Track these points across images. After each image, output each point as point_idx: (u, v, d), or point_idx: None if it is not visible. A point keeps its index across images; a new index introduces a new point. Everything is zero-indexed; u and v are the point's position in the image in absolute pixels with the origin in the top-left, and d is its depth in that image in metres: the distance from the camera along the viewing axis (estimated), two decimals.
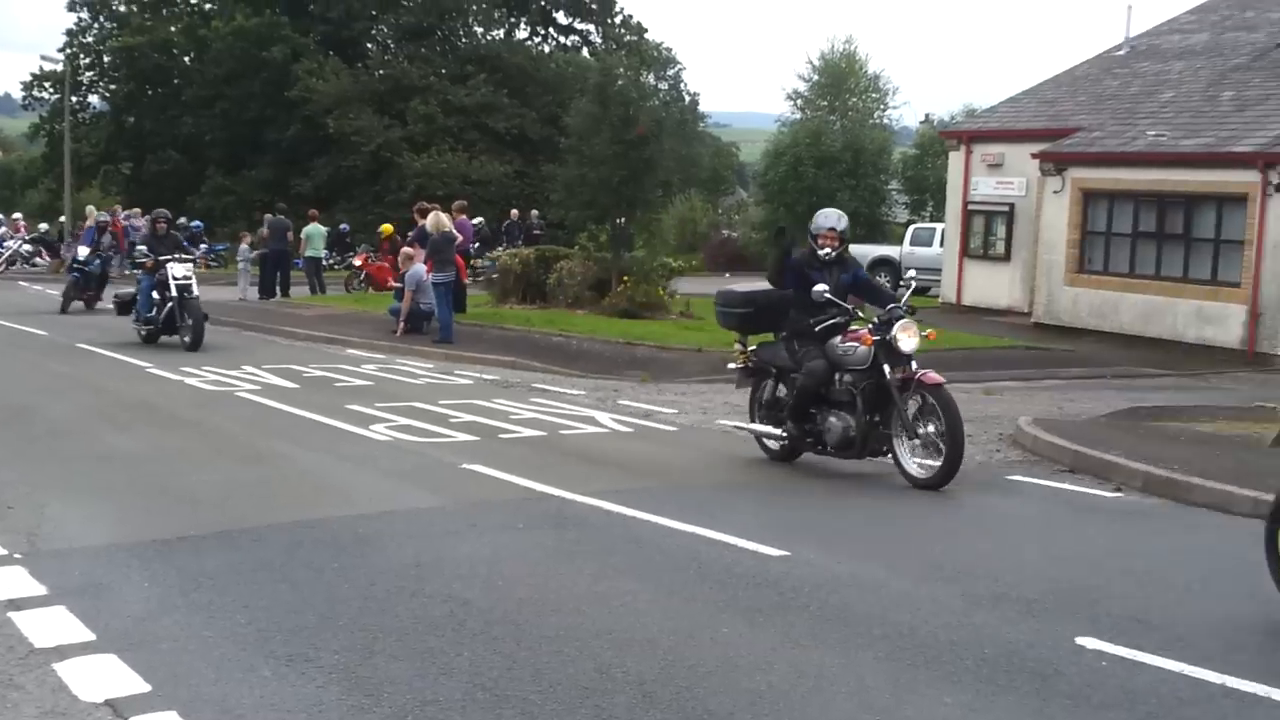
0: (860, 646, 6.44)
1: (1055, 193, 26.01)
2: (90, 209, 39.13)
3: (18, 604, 6.82)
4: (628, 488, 10.26)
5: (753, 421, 12.16)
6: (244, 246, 33.73)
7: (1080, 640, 6.53)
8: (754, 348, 12.07)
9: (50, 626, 6.47)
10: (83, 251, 27.63)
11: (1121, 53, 31.21)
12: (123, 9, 60.70)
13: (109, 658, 6.05)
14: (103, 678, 5.81)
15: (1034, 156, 26.76)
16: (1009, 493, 10.67)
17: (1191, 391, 18.52)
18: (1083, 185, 25.56)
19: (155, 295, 20.35)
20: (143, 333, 20.73)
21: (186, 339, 20.01)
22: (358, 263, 34.86)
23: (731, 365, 12.45)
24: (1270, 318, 22.11)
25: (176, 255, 20.58)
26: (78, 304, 27.07)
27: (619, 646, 6.35)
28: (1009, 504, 10.25)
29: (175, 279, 20.06)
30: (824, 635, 6.62)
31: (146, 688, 5.70)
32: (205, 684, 5.77)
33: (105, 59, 60.42)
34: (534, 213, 41.54)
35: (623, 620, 6.79)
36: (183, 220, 45.78)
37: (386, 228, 34.96)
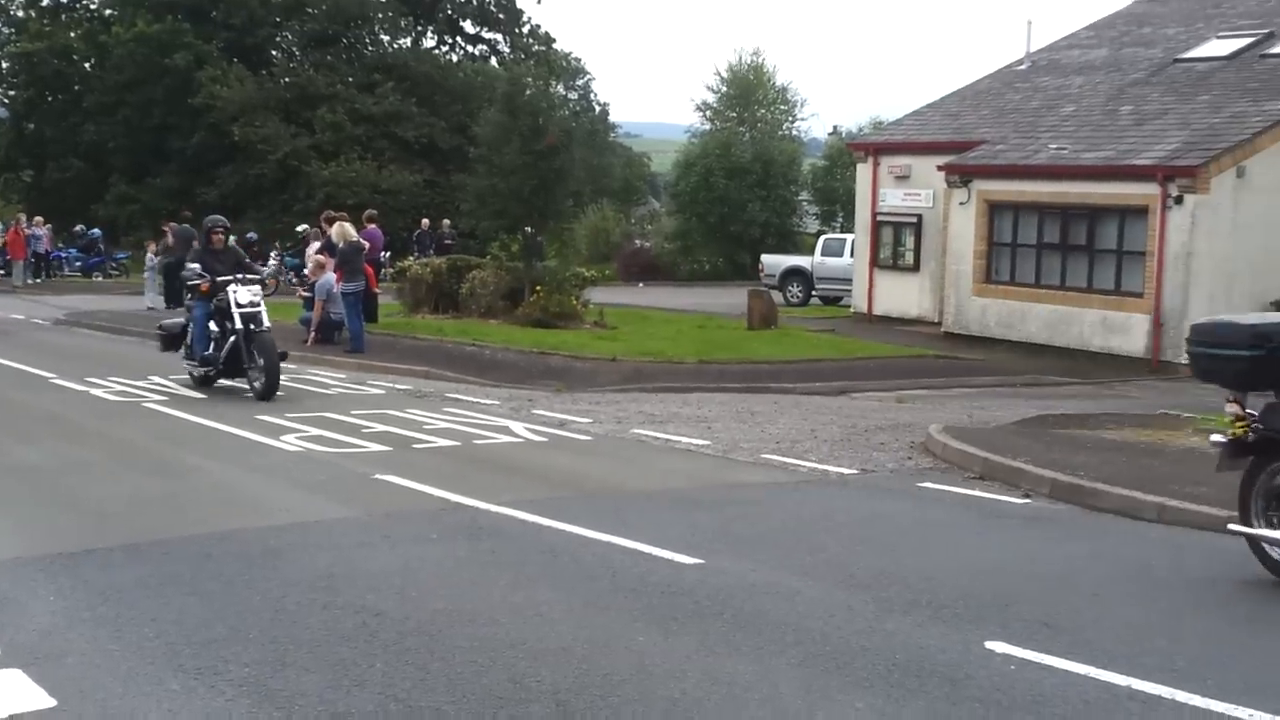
0: (773, 654, 6.48)
1: (961, 204, 26.33)
2: None
3: None
4: (542, 497, 10.25)
5: (1253, 521, 8.24)
6: (150, 255, 33.20)
7: (990, 644, 6.62)
8: (1258, 412, 8.21)
9: None
10: None
11: (1023, 67, 31.67)
12: (20, 14, 59.60)
13: (14, 672, 5.96)
14: (7, 693, 5.72)
15: (939, 169, 27.07)
16: (920, 500, 10.78)
17: (1098, 400, 18.85)
18: (988, 197, 25.90)
19: (213, 327, 16.39)
20: (197, 374, 16.70)
21: (257, 384, 15.90)
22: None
23: (1217, 438, 8.48)
24: (1173, 328, 22.52)
25: (240, 275, 16.36)
26: None
27: (533, 656, 6.34)
28: (920, 511, 10.36)
29: (240, 306, 15.91)
30: (738, 643, 6.65)
31: (52, 703, 5.62)
32: (112, 698, 5.70)
33: (3, 65, 59.30)
34: (445, 222, 41.36)
35: (537, 630, 6.78)
36: (80, 228, 45.11)
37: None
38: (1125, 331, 23.23)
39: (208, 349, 16.34)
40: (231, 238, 18.72)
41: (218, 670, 6.04)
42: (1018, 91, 30.28)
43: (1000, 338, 25.17)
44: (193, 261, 16.67)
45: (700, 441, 13.51)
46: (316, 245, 32.14)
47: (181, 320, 17.35)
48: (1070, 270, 24.40)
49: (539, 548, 8.66)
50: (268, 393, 15.68)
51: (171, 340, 17.37)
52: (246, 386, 16.29)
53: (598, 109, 64.30)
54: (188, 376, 16.92)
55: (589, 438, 13.73)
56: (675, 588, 7.65)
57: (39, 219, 42.14)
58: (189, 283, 16.68)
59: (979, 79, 32.23)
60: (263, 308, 16.19)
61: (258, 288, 16.38)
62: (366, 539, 8.77)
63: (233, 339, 16.04)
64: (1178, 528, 9.75)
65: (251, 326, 15.92)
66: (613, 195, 56.54)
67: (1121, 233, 23.63)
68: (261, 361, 15.82)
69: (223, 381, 16.68)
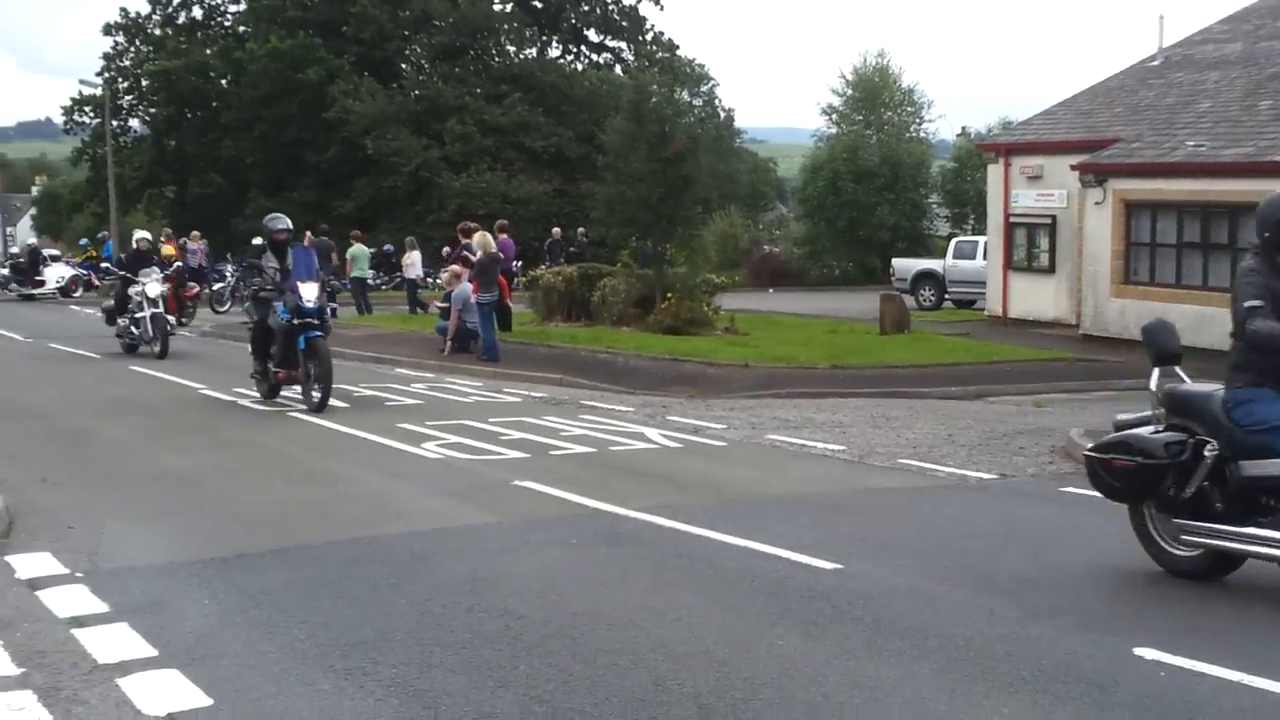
0: (916, 658, 6.44)
1: (1097, 204, 25.87)
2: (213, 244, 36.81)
3: (81, 621, 6.93)
4: (679, 503, 10.29)
5: None
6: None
7: (1138, 650, 6.51)
8: None
9: (113, 643, 6.57)
10: (309, 292, 15.89)
11: (1156, 63, 30.99)
12: (158, 33, 61.31)
13: (171, 673, 6.14)
14: (165, 692, 5.89)
15: (1074, 168, 26.62)
16: (1063, 505, 10.61)
17: None
18: (1124, 196, 25.41)
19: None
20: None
21: None
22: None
23: None
24: None
25: None
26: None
27: (674, 659, 6.37)
28: (1063, 516, 10.20)
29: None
30: (879, 647, 6.63)
31: (208, 702, 5.78)
32: (266, 698, 5.85)
33: (143, 83, 61.04)
34: (580, 230, 41.57)
35: (677, 633, 6.82)
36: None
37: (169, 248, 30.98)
38: None
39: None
40: None
41: (367, 671, 6.17)
42: (1151, 88, 29.63)
43: (1140, 340, 24.65)
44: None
45: (835, 447, 13.45)
46: (416, 254, 32.62)
47: (1162, 437, 8.05)
48: (1212, 270, 23.83)
49: (677, 552, 8.70)
50: None
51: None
52: None
53: (723, 115, 64.27)
54: None
55: (723, 443, 13.73)
56: (814, 592, 7.64)
57: (195, 233, 43.28)
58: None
59: (1110, 76, 31.60)
60: None
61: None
62: (507, 544, 8.88)
63: None
64: None
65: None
66: (740, 201, 56.51)
67: None
68: None
69: (361, 390, 16.90)
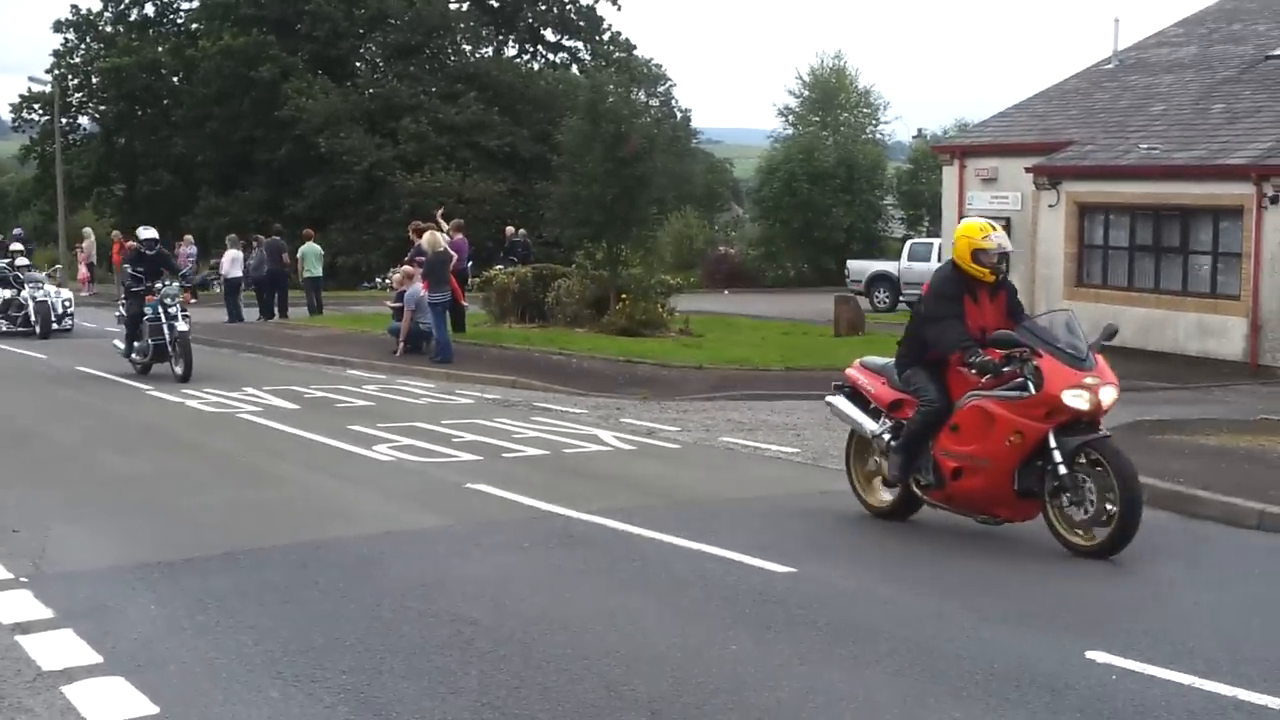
0: (868, 662, 6.43)
1: (1050, 206, 26.03)
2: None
3: (25, 627, 6.83)
4: (633, 506, 10.24)
5: None
6: (212, 268, 33.43)
7: (1090, 654, 6.52)
8: None
9: (58, 649, 6.47)
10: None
11: (1110, 66, 31.20)
12: (109, 29, 60.63)
13: (117, 680, 6.05)
14: (111, 700, 5.80)
15: (1028, 171, 26.77)
16: None
17: (1195, 405, 18.50)
18: (1078, 199, 25.58)
19: None
20: None
21: None
22: None
23: None
24: (1271, 330, 22.09)
25: None
26: None
27: (627, 664, 6.34)
28: None
29: None
30: (832, 652, 6.62)
31: (155, 709, 5.70)
32: (214, 705, 5.77)
33: (93, 80, 60.28)
34: (520, 229, 41.06)
35: (630, 638, 6.79)
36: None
37: None
38: (1222, 335, 22.83)
39: None
40: None
41: (316, 678, 6.11)
42: (1106, 91, 29.84)
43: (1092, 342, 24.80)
44: None
45: (789, 449, 13.46)
46: (235, 252, 31.57)
47: None
48: (1164, 273, 24.02)
49: (630, 556, 8.67)
50: None
51: None
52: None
53: (679, 115, 64.27)
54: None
55: (677, 446, 13.71)
56: (768, 596, 7.62)
57: (189, 237, 42.64)
58: None
59: (1066, 79, 31.78)
60: None
61: None
62: (459, 548, 8.81)
63: None
64: (1278, 535, 9.55)
65: None
66: (696, 202, 56.52)
67: (1216, 234, 23.23)
68: None
69: (312, 392, 16.78)
